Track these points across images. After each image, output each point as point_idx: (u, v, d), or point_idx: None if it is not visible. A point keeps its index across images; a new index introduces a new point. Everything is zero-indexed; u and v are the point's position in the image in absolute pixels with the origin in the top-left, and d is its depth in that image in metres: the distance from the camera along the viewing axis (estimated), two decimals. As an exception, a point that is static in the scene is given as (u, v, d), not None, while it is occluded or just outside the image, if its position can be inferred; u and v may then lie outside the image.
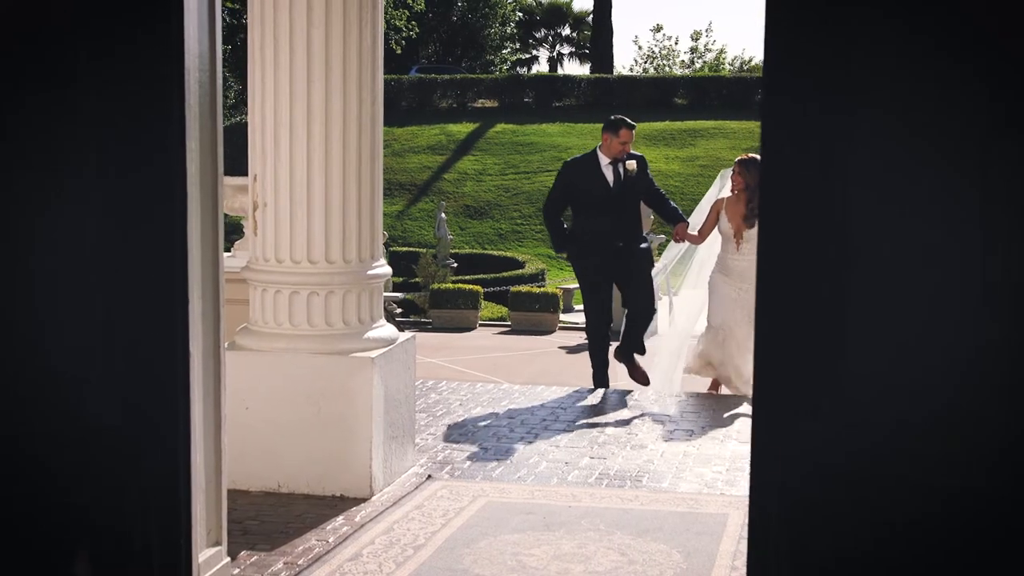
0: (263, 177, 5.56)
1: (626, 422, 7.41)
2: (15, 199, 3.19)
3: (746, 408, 7.90)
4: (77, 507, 3.08)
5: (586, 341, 9.24)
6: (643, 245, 8.67)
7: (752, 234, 8.37)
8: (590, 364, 8.81)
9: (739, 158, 8.76)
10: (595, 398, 8.13)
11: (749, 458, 6.27)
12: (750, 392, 8.40)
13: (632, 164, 8.43)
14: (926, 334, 2.73)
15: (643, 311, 8.64)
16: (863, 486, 2.80)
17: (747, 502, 5.44)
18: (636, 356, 8.61)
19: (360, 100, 5.56)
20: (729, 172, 8.93)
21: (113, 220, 3.18)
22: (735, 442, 6.91)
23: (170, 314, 3.20)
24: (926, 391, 2.75)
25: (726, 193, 8.78)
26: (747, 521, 5.17)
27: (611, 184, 8.40)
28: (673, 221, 8.84)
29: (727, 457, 6.53)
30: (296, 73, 5.46)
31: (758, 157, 8.34)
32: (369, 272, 5.69)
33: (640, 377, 8.56)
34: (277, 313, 5.59)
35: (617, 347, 8.67)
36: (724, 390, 8.69)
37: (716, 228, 8.67)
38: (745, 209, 8.46)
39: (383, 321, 5.85)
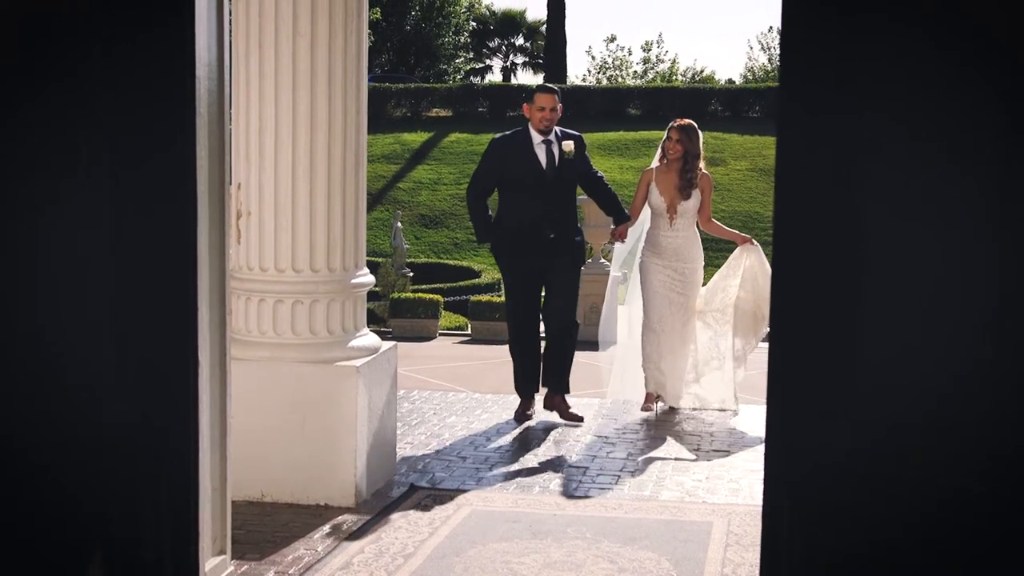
0: (247, 185, 5.54)
1: (600, 431, 7.43)
2: (26, 206, 3.17)
3: (716, 415, 7.92)
4: (91, 517, 3.06)
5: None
6: (577, 238, 7.68)
7: (687, 207, 7.79)
8: (513, 377, 7.80)
9: (678, 123, 7.90)
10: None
11: (720, 466, 6.32)
12: (676, 403, 8.00)
13: (569, 145, 7.44)
14: (938, 337, 2.79)
15: (563, 327, 7.60)
16: (875, 484, 2.84)
17: (729, 510, 5.55)
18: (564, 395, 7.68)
19: (345, 109, 5.56)
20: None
21: (123, 227, 3.17)
22: (711, 450, 6.96)
23: (181, 323, 3.19)
24: (937, 393, 2.80)
25: (655, 163, 7.97)
26: (729, 528, 5.25)
27: (543, 166, 7.40)
28: (617, 218, 7.89)
29: (705, 465, 6.58)
30: (281, 81, 5.45)
31: (695, 123, 8.06)
32: (353, 281, 5.69)
33: (573, 417, 7.60)
34: (261, 322, 5.58)
35: (545, 395, 7.73)
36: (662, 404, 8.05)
37: (647, 203, 7.90)
38: (679, 179, 7.76)
39: (366, 330, 5.85)
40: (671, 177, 7.82)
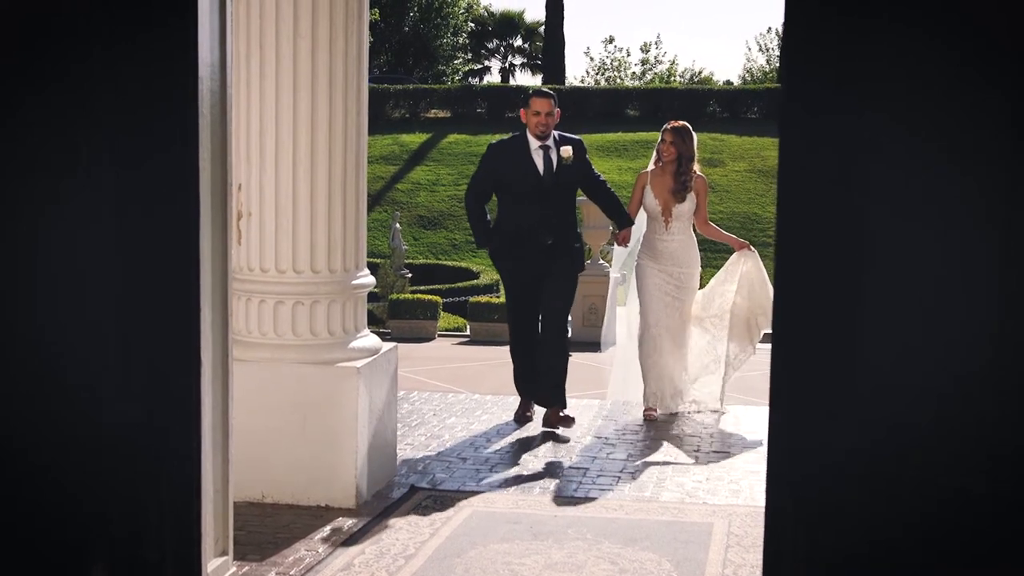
0: (248, 186, 5.54)
1: (600, 432, 7.43)
2: (28, 207, 3.17)
3: (714, 417, 7.89)
4: (93, 517, 3.06)
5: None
6: (576, 244, 7.55)
7: (682, 210, 7.70)
8: (513, 378, 7.76)
9: (671, 125, 7.85)
10: (568, 408, 8.10)
11: (720, 467, 6.32)
12: (678, 407, 7.89)
13: (568, 151, 7.29)
14: (940, 337, 2.79)
15: (558, 330, 7.39)
16: (878, 485, 2.85)
17: (729, 511, 5.55)
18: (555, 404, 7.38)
19: (346, 110, 5.57)
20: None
21: (125, 227, 3.17)
22: (711, 451, 6.96)
23: (183, 323, 3.19)
24: (940, 393, 2.80)
25: (650, 166, 7.91)
26: (730, 530, 5.25)
27: (540, 171, 7.28)
28: (619, 222, 7.76)
29: (705, 466, 6.58)
30: (282, 83, 5.46)
31: (689, 125, 7.98)
32: (354, 282, 5.69)
33: (565, 420, 7.31)
34: (261, 323, 5.58)
35: (544, 413, 7.48)
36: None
37: (642, 207, 7.80)
38: (674, 182, 7.68)
39: (367, 331, 5.85)
40: (665, 180, 7.73)
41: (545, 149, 7.31)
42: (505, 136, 7.73)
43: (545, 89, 7.74)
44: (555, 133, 7.40)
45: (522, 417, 7.69)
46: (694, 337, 7.97)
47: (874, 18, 2.77)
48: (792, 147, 2.88)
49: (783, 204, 2.88)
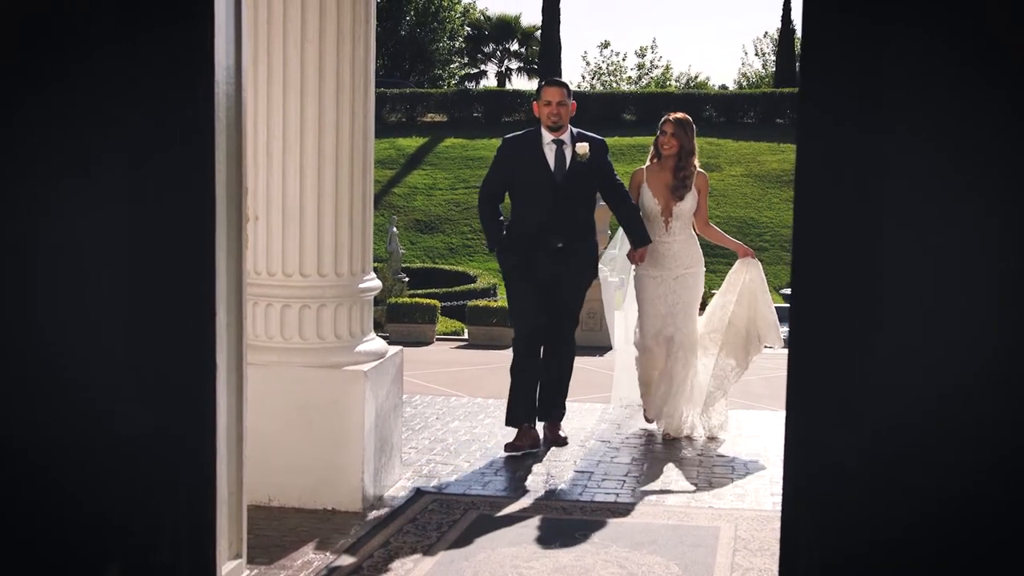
0: (255, 190, 5.54)
1: (604, 436, 7.44)
2: (39, 208, 3.17)
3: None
4: (108, 521, 3.06)
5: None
6: (590, 250, 7.12)
7: (683, 209, 7.23)
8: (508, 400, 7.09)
9: (672, 116, 7.36)
10: (571, 412, 8.09)
11: (725, 471, 6.31)
12: (679, 432, 7.27)
13: (584, 147, 6.85)
14: (953, 344, 2.81)
15: (563, 339, 7.08)
16: (894, 487, 2.86)
17: (735, 515, 5.56)
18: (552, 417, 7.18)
19: (353, 114, 5.58)
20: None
21: (139, 229, 3.17)
22: (715, 455, 6.97)
23: (198, 327, 3.19)
24: (950, 400, 2.82)
25: (647, 164, 7.46)
26: (737, 533, 5.26)
27: (552, 166, 6.85)
28: (635, 240, 7.19)
29: (709, 470, 6.59)
30: (289, 87, 5.46)
31: (689, 117, 7.65)
32: (360, 285, 5.70)
33: (560, 441, 7.13)
34: (268, 326, 5.58)
35: (545, 426, 7.18)
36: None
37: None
38: (673, 178, 7.23)
39: (373, 334, 5.85)
40: (664, 176, 7.27)
41: (559, 143, 6.89)
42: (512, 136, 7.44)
43: (557, 78, 7.40)
44: (573, 130, 7.01)
45: (515, 446, 6.93)
46: (697, 359, 7.40)
47: (874, 18, 2.79)
48: (805, 149, 2.90)
49: (799, 206, 2.90)
